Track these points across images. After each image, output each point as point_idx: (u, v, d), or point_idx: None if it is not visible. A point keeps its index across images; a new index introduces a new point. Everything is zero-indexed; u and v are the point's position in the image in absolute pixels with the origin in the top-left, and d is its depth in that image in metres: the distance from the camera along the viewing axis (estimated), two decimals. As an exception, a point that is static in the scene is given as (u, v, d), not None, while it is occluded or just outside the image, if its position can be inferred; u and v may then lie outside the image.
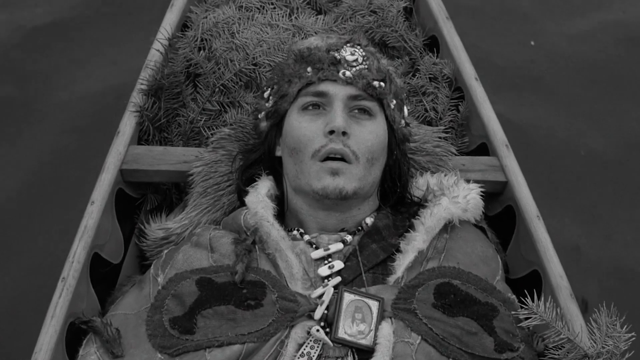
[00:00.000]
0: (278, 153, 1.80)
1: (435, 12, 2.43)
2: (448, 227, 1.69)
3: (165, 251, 1.76)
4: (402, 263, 1.62)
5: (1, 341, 2.41)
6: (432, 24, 2.44)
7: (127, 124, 2.08)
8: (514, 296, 1.66)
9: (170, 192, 2.15)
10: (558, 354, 1.55)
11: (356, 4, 2.43)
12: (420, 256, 1.63)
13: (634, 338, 1.55)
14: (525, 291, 1.61)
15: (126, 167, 2.00)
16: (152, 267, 1.73)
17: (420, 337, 1.50)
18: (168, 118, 2.16)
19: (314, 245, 1.67)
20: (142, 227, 1.95)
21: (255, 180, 1.78)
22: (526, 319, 1.56)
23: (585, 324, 1.66)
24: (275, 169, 1.80)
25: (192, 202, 1.90)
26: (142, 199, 2.11)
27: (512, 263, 1.98)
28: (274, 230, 1.65)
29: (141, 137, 2.13)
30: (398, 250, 1.65)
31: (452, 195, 1.72)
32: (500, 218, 2.05)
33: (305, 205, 1.72)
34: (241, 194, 1.79)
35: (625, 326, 1.55)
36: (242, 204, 1.75)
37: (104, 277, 1.88)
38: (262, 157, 1.82)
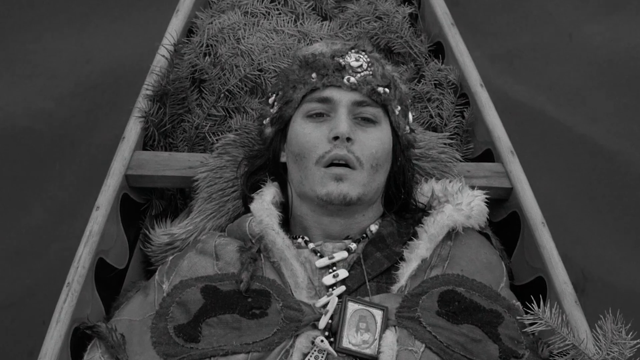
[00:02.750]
0: (283, 159, 1.80)
1: (441, 18, 2.43)
2: (452, 234, 1.69)
3: (170, 257, 1.76)
4: (405, 271, 1.62)
5: (6, 346, 2.42)
6: (438, 30, 2.44)
7: (132, 130, 2.08)
8: (518, 303, 1.66)
9: (175, 198, 2.15)
10: (563, 361, 1.55)
11: (362, 10, 2.43)
12: (424, 264, 1.63)
13: (639, 345, 1.55)
14: (532, 297, 1.60)
15: (131, 172, 2.00)
16: (156, 273, 1.73)
17: (424, 345, 1.49)
18: (173, 124, 2.17)
19: (318, 254, 1.67)
20: (147, 232, 1.96)
21: (260, 187, 1.78)
22: (531, 324, 1.56)
23: (591, 331, 1.66)
24: (280, 175, 1.81)
25: (197, 208, 1.91)
26: (147, 204, 2.11)
27: (516, 269, 1.98)
28: (279, 239, 1.65)
29: (146, 142, 2.13)
30: (402, 259, 1.65)
31: (456, 202, 1.72)
32: (505, 224, 2.05)
33: (309, 212, 1.72)
34: (246, 200, 1.79)
35: (631, 333, 1.55)
36: (247, 210, 1.75)
37: (108, 282, 1.88)
38: (267, 163, 1.82)
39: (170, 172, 2.01)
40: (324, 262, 1.64)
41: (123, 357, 1.57)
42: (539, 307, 1.55)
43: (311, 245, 1.69)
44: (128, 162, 2.01)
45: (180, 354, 1.52)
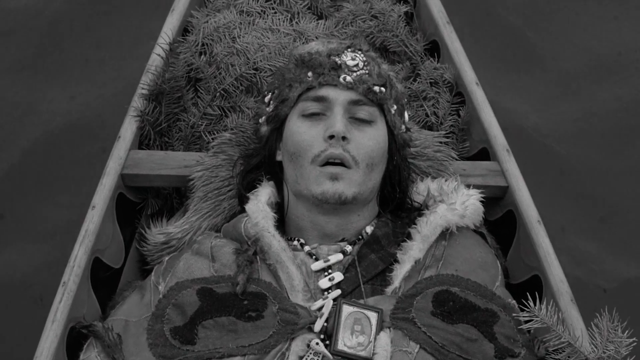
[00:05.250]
0: (279, 158, 1.80)
1: (436, 16, 2.43)
2: (446, 234, 1.69)
3: (166, 258, 1.76)
4: (399, 273, 1.62)
5: (2, 346, 2.41)
6: (433, 28, 2.44)
7: (128, 129, 2.08)
8: (514, 301, 1.66)
9: (171, 197, 2.14)
10: (559, 358, 1.55)
11: (357, 8, 2.43)
12: (418, 265, 1.63)
13: (635, 343, 1.55)
14: (528, 294, 1.61)
15: (127, 171, 2.00)
16: (152, 273, 1.73)
17: (418, 346, 1.49)
18: (169, 123, 2.16)
19: (313, 257, 1.67)
20: (143, 231, 1.95)
21: (256, 186, 1.78)
22: (527, 322, 1.56)
23: (587, 329, 1.66)
24: (276, 173, 1.80)
25: (193, 207, 1.90)
26: (143, 203, 2.11)
27: (512, 268, 1.98)
28: (275, 242, 1.65)
29: (142, 141, 2.13)
30: (396, 260, 1.65)
31: (450, 202, 1.72)
32: (501, 223, 2.05)
33: (305, 211, 1.72)
34: (242, 199, 1.79)
35: (627, 331, 1.55)
36: (243, 209, 1.75)
37: (104, 281, 1.88)
38: (262, 161, 1.82)
39: (166, 171, 2.01)
40: (319, 265, 1.64)
41: (119, 356, 1.57)
42: (535, 304, 1.55)
43: (307, 248, 1.69)
44: (124, 161, 2.01)
45: (176, 356, 1.52)
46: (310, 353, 1.51)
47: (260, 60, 2.21)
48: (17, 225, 2.72)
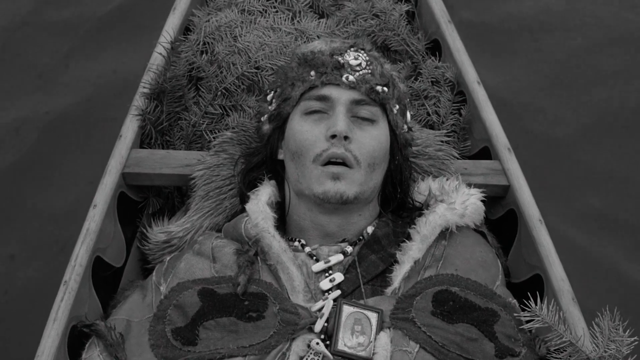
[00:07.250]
0: (280, 156, 1.80)
1: (438, 15, 2.43)
2: (446, 233, 1.69)
3: (168, 258, 1.76)
4: (398, 274, 1.62)
5: (3, 345, 2.41)
6: (435, 27, 2.44)
7: (130, 128, 2.08)
8: (514, 300, 1.66)
9: (172, 196, 2.15)
10: (560, 358, 1.55)
11: (359, 7, 2.43)
12: (417, 265, 1.63)
13: (636, 342, 1.55)
14: (529, 293, 1.61)
15: (128, 170, 2.00)
16: (154, 273, 1.73)
17: (418, 346, 1.49)
18: (170, 121, 2.16)
19: (314, 257, 1.67)
20: (144, 230, 1.95)
21: (257, 185, 1.78)
22: (528, 321, 1.56)
23: (588, 328, 1.66)
24: (278, 172, 1.80)
25: (194, 206, 1.90)
26: (144, 202, 2.11)
27: (514, 267, 1.98)
28: (275, 242, 1.65)
29: (143, 140, 2.13)
30: (396, 261, 1.65)
31: (450, 202, 1.72)
32: (502, 222, 2.05)
33: (307, 211, 1.72)
34: (243, 198, 1.79)
35: (628, 330, 1.55)
36: (244, 208, 1.75)
37: (106, 280, 1.88)
38: (264, 160, 1.82)
39: (167, 170, 2.01)
40: (320, 266, 1.64)
41: (122, 355, 1.58)
42: (536, 303, 1.55)
43: (307, 249, 1.69)
44: (125, 160, 2.01)
45: (178, 357, 1.52)
46: (311, 353, 1.51)
47: (262, 59, 2.21)
48: (18, 222, 2.72)
